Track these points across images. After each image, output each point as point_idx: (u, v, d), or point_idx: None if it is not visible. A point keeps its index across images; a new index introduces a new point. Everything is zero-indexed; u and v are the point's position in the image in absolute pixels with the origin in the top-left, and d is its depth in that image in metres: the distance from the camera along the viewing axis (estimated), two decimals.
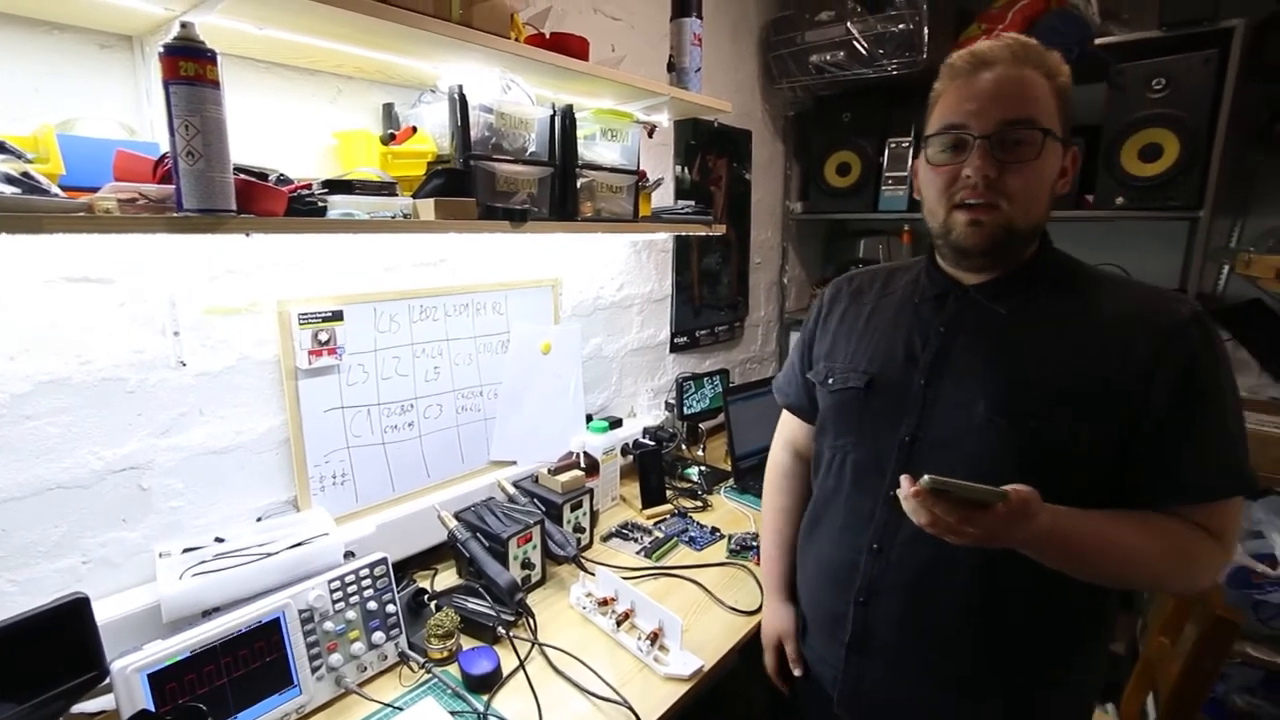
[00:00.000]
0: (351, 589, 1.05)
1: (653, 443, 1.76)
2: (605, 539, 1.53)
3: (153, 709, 0.83)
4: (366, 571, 1.07)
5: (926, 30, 1.99)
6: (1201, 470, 0.78)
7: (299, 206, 0.94)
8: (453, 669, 1.07)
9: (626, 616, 1.17)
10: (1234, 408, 0.79)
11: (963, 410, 0.85)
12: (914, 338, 0.92)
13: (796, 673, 1.08)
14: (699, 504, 1.72)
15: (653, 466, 1.69)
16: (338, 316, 1.24)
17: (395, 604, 1.09)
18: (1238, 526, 0.81)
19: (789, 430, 1.19)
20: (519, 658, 1.08)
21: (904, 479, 0.72)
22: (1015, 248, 0.84)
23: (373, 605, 1.06)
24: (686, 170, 2.10)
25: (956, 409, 0.86)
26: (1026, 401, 0.81)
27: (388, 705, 0.99)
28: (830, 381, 1.01)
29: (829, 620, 0.99)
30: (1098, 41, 1.81)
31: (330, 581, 1.03)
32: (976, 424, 0.83)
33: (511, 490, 1.43)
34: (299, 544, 1.08)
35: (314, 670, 0.99)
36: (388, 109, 1.28)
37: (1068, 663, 0.87)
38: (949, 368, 0.88)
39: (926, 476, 0.70)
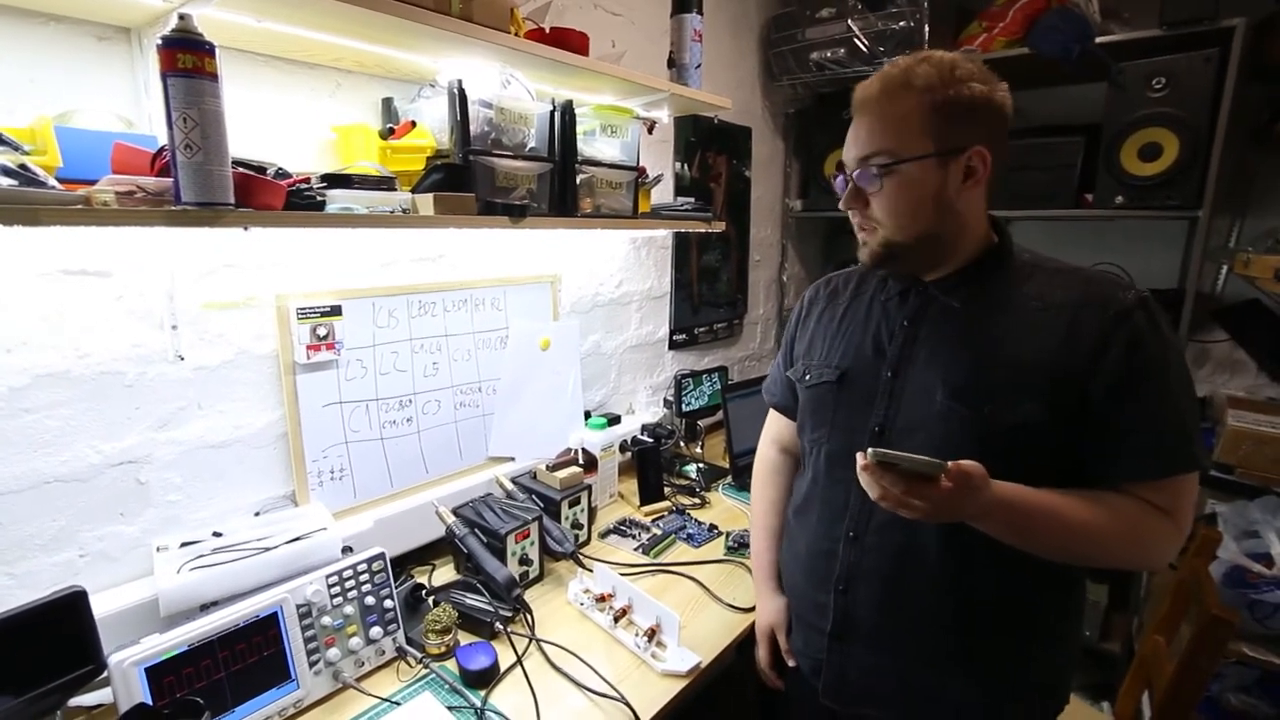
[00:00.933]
0: (349, 584, 1.05)
1: (651, 440, 1.76)
2: (603, 535, 1.53)
3: (150, 703, 0.83)
4: (364, 566, 1.07)
5: (927, 28, 1.98)
6: (1146, 448, 0.82)
7: (297, 201, 0.93)
8: (450, 664, 1.07)
9: (624, 613, 1.17)
10: (1181, 388, 0.83)
11: (925, 397, 0.90)
12: (881, 332, 0.98)
13: (790, 664, 1.10)
14: (697, 501, 1.72)
15: (651, 463, 1.69)
16: (336, 311, 1.23)
17: (393, 599, 1.09)
18: (1190, 504, 0.84)
19: (775, 428, 1.24)
20: (516, 653, 1.08)
21: (858, 455, 0.77)
22: (910, 255, 0.91)
23: (370, 600, 1.06)
24: (686, 167, 2.10)
25: (919, 397, 0.91)
26: (980, 386, 0.86)
27: (385, 700, 0.99)
28: (807, 378, 1.06)
29: (811, 611, 1.02)
30: (1098, 40, 1.81)
31: (328, 576, 1.03)
32: (936, 410, 0.89)
33: (510, 486, 1.43)
34: (297, 539, 1.08)
35: (311, 665, 0.99)
36: (387, 103, 1.28)
37: (1040, 628, 0.92)
38: (913, 358, 0.93)
39: (871, 450, 0.76)
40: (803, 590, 1.05)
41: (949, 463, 0.75)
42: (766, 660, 1.15)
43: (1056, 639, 0.94)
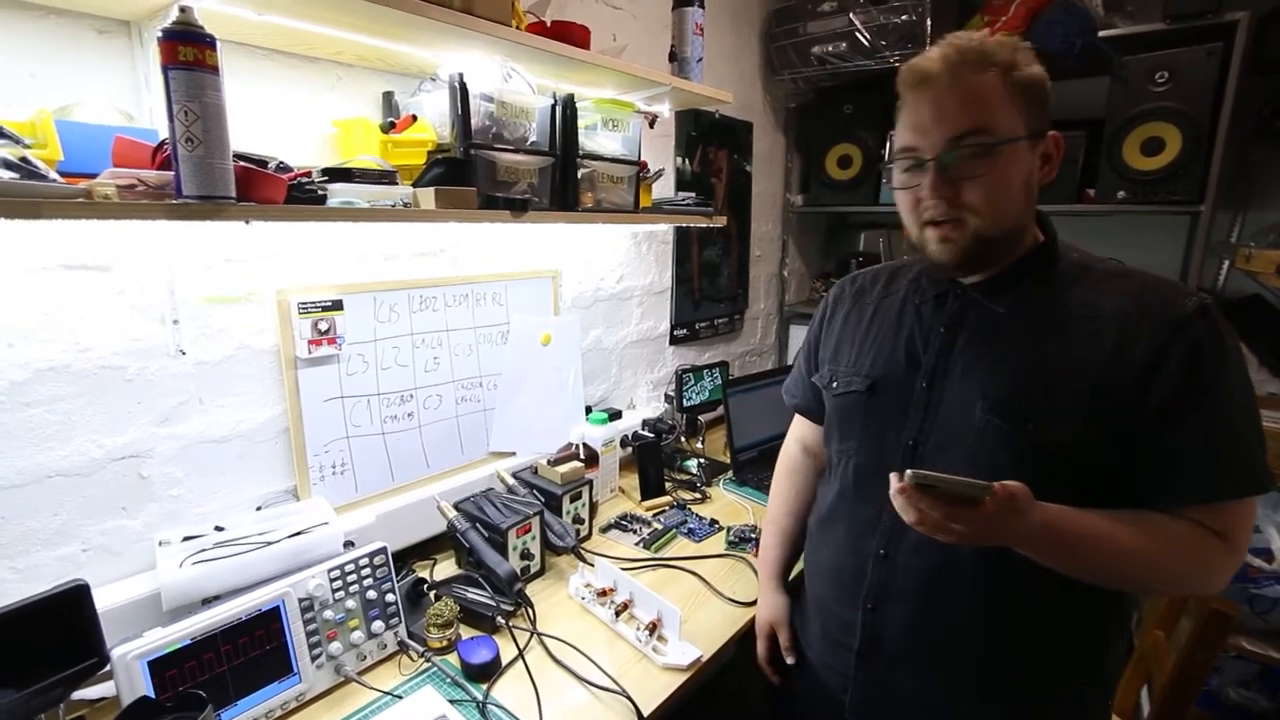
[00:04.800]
0: (351, 578, 1.05)
1: (652, 435, 1.76)
2: (604, 530, 1.53)
3: (153, 696, 0.83)
4: (366, 561, 1.07)
5: (929, 22, 1.98)
6: (1203, 469, 0.75)
7: (299, 194, 0.93)
8: (452, 658, 1.07)
9: (625, 607, 1.17)
10: (1244, 405, 0.76)
11: (962, 411, 0.84)
12: (915, 339, 0.92)
13: (789, 660, 1.08)
14: (698, 496, 1.73)
15: (652, 458, 1.69)
16: (337, 306, 1.23)
17: (395, 593, 1.09)
18: (1248, 528, 0.78)
19: (800, 429, 1.21)
20: (518, 647, 1.08)
21: (893, 476, 0.72)
22: (994, 252, 0.83)
23: (372, 594, 1.06)
24: (687, 161, 2.10)
25: (957, 411, 0.85)
26: (1024, 400, 0.80)
27: (387, 694, 1.00)
28: (834, 385, 1.00)
29: (836, 626, 0.98)
30: (1101, 34, 1.80)
31: (330, 570, 1.03)
32: (975, 425, 0.83)
33: (511, 481, 1.43)
34: (299, 533, 1.08)
35: (314, 658, 0.99)
36: (388, 97, 1.28)
37: (1083, 658, 0.85)
38: (950, 369, 0.87)
39: (910, 471, 0.70)
40: (828, 604, 1.00)
41: (995, 483, 0.70)
42: (765, 656, 1.14)
43: (1099, 670, 0.88)
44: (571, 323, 1.71)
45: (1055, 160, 0.82)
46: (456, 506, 1.31)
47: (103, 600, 0.93)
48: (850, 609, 0.94)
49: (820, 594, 1.03)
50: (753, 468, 1.85)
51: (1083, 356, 0.78)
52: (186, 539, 1.06)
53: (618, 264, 1.91)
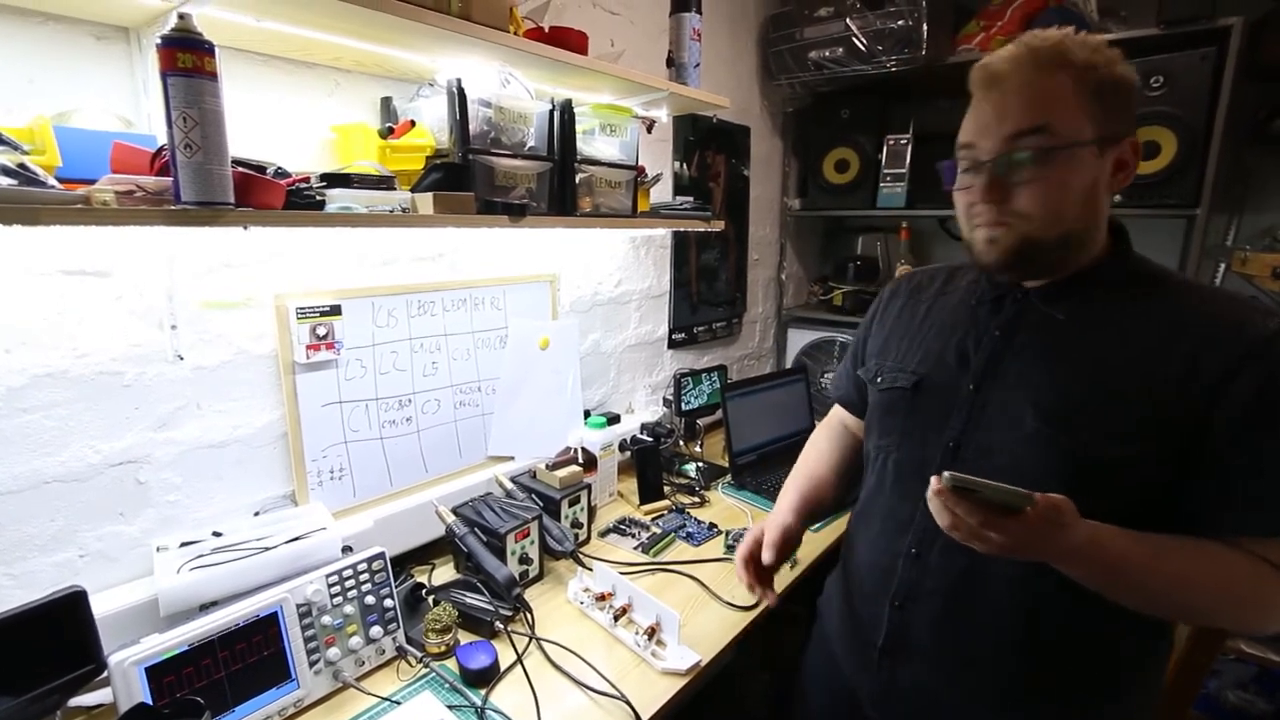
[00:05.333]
0: (349, 583, 1.05)
1: (650, 439, 1.76)
2: (603, 534, 1.53)
3: (150, 702, 0.83)
4: (364, 566, 1.07)
5: (925, 27, 1.98)
6: (1268, 499, 0.71)
7: (297, 200, 0.93)
8: (450, 663, 1.07)
9: (624, 611, 1.17)
10: None
11: (1011, 418, 0.82)
12: (968, 340, 0.90)
13: (766, 558, 1.02)
14: (696, 500, 1.72)
15: (650, 462, 1.69)
16: (335, 311, 1.23)
17: (393, 598, 1.09)
18: None
19: (838, 414, 1.22)
20: (517, 652, 1.08)
21: (933, 478, 0.70)
22: (1044, 258, 0.80)
23: (370, 600, 1.06)
24: (685, 166, 2.10)
25: (1005, 416, 0.82)
26: (1077, 412, 0.77)
27: (385, 699, 0.99)
28: (879, 380, 0.99)
29: (864, 621, 0.97)
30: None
31: (328, 576, 1.03)
32: (1024, 433, 0.80)
33: (509, 485, 1.43)
34: (297, 538, 1.08)
35: (311, 664, 0.99)
36: (386, 103, 1.28)
37: (1115, 677, 0.83)
38: (1001, 373, 0.85)
39: (948, 473, 0.67)
40: (856, 599, 1.00)
41: (1038, 494, 0.66)
42: (743, 554, 1.05)
43: (1134, 690, 0.84)
44: (570, 327, 1.72)
45: (1131, 167, 0.77)
46: (455, 511, 1.31)
47: (100, 606, 0.92)
48: (879, 605, 0.93)
49: (851, 589, 1.02)
50: (751, 472, 1.85)
51: (1146, 370, 0.75)
52: (184, 545, 1.06)
53: (616, 268, 1.92)
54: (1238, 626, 0.79)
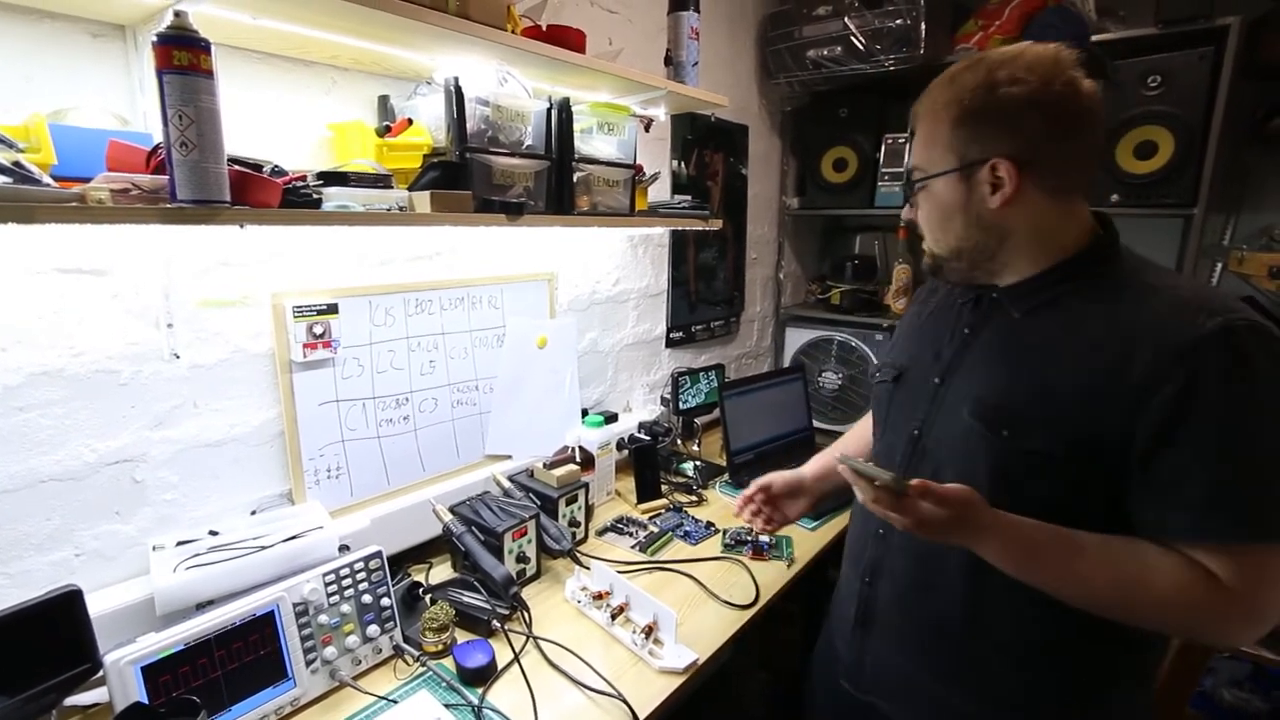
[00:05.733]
0: (346, 582, 1.05)
1: (648, 437, 1.76)
2: (600, 533, 1.53)
3: (146, 702, 0.83)
4: (361, 565, 1.07)
5: (923, 26, 1.98)
6: (1196, 504, 0.70)
7: (294, 198, 0.93)
8: (447, 662, 1.07)
9: (621, 610, 1.17)
10: (1269, 439, 0.69)
11: (956, 411, 0.86)
12: (944, 336, 0.95)
13: (773, 481, 1.18)
14: (694, 499, 1.73)
15: (648, 461, 1.69)
16: (333, 309, 1.23)
17: (390, 597, 1.09)
18: (1272, 581, 0.70)
19: None
20: (514, 651, 1.08)
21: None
22: (951, 267, 0.89)
23: (367, 598, 1.06)
24: (683, 165, 2.10)
25: (954, 409, 0.87)
26: (1005, 407, 0.81)
27: (382, 698, 0.99)
28: (877, 375, 1.08)
29: (847, 595, 1.05)
30: (1094, 38, 1.81)
31: (325, 575, 1.03)
32: (961, 426, 0.85)
33: (507, 484, 1.43)
34: (293, 537, 1.08)
35: (308, 663, 0.99)
36: (383, 101, 1.28)
37: (1074, 675, 0.83)
38: (960, 367, 0.90)
39: (840, 455, 0.80)
40: (846, 574, 1.07)
41: (913, 481, 0.73)
42: (748, 492, 1.20)
43: (1093, 688, 0.84)
44: (567, 326, 1.71)
45: (1006, 183, 0.79)
46: (452, 510, 1.31)
47: (96, 605, 0.92)
48: (855, 580, 1.02)
49: (844, 566, 1.10)
50: (749, 470, 1.85)
51: (1084, 370, 0.76)
52: (180, 543, 1.06)
53: (614, 267, 1.92)
54: (1175, 633, 0.78)
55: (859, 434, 1.23)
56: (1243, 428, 0.69)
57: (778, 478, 1.18)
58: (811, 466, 1.22)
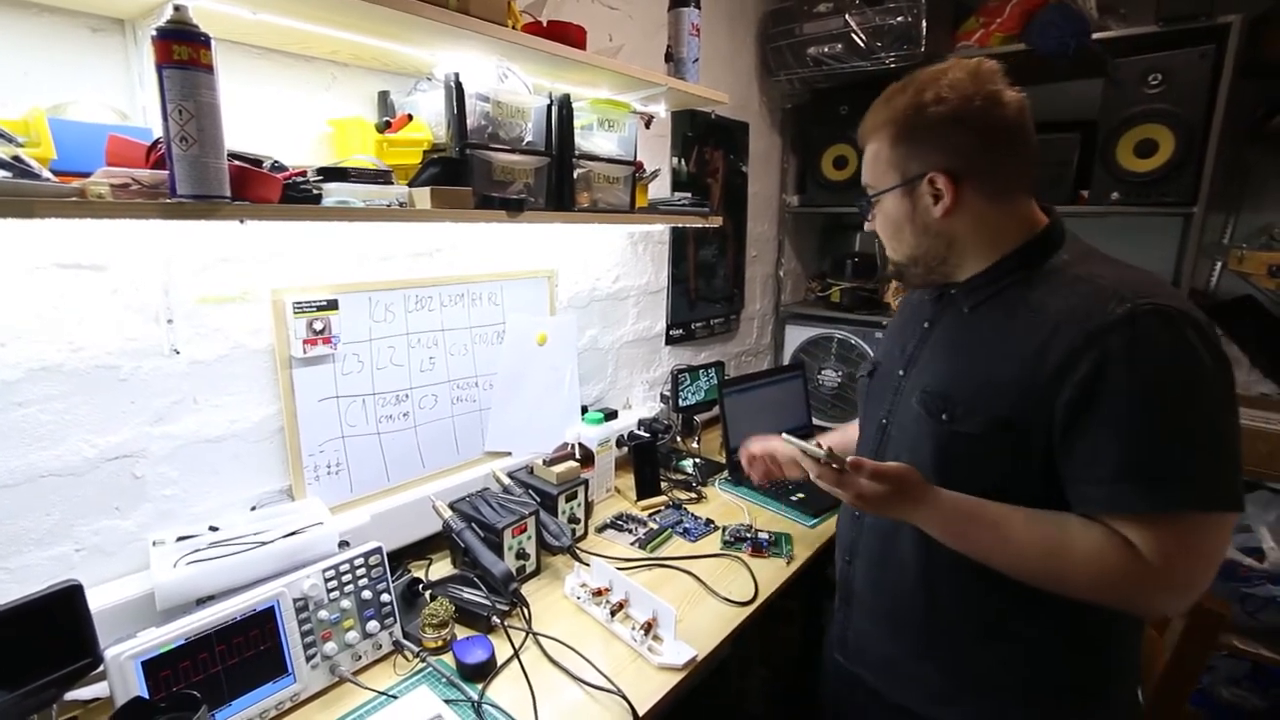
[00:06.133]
0: (346, 578, 1.05)
1: (648, 435, 1.76)
2: (600, 530, 1.53)
3: (146, 696, 0.83)
4: (361, 561, 1.07)
5: (925, 23, 1.98)
6: (1106, 477, 0.75)
7: (294, 194, 0.93)
8: (447, 658, 1.07)
9: (621, 607, 1.17)
10: (1177, 413, 0.73)
11: (910, 400, 0.94)
12: (910, 332, 1.01)
13: (773, 443, 1.27)
14: (693, 496, 1.73)
15: (647, 458, 1.69)
16: (333, 305, 1.23)
17: (390, 593, 1.09)
18: (1189, 550, 0.74)
19: None
20: (513, 647, 1.08)
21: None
22: (915, 272, 0.95)
23: (367, 594, 1.06)
24: (683, 162, 2.10)
25: (908, 398, 0.95)
26: (946, 393, 0.88)
27: (382, 693, 1.00)
28: (859, 373, 1.17)
29: (837, 573, 1.13)
30: (1095, 36, 1.81)
31: (325, 570, 1.03)
32: (912, 413, 0.93)
33: (506, 481, 1.43)
34: (293, 533, 1.08)
35: (308, 659, 0.99)
36: (383, 97, 1.28)
37: (1022, 644, 0.88)
38: (918, 360, 0.97)
39: (784, 433, 0.89)
40: (836, 557, 1.14)
41: (850, 459, 0.83)
42: (754, 449, 1.29)
43: (1047, 663, 0.88)
44: (567, 323, 1.71)
45: (946, 194, 0.85)
46: (452, 506, 1.31)
47: (96, 601, 0.93)
48: (840, 559, 1.11)
49: (836, 547, 1.16)
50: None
51: (1011, 358, 0.82)
52: (180, 539, 1.06)
53: (614, 264, 1.91)
54: (1101, 600, 0.79)
55: (848, 430, 1.28)
56: (1146, 405, 0.73)
57: (780, 447, 1.25)
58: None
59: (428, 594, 1.19)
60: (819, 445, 0.88)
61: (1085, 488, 0.78)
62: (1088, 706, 0.89)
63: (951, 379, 0.89)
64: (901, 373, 0.98)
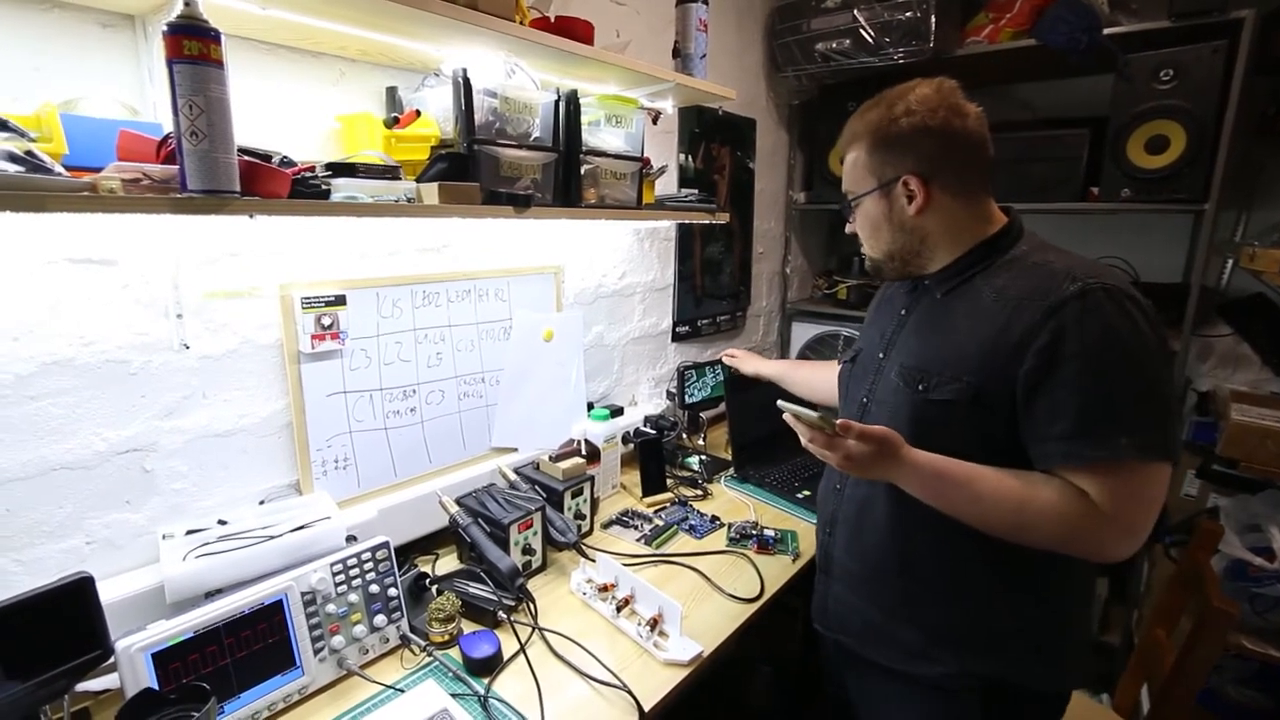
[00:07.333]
0: (354, 572, 1.06)
1: (653, 431, 1.76)
2: (606, 526, 1.54)
3: (157, 688, 0.83)
4: (368, 555, 1.08)
5: (934, 19, 1.97)
6: (1064, 433, 0.84)
7: (302, 189, 0.93)
8: (454, 652, 1.08)
9: (626, 603, 1.18)
10: (1119, 373, 0.83)
11: (890, 377, 1.03)
12: (888, 320, 1.11)
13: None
14: (699, 492, 1.73)
15: (653, 455, 1.69)
16: (340, 301, 1.23)
17: (397, 587, 1.10)
18: (1134, 497, 0.84)
19: None
20: (520, 642, 1.08)
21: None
22: (892, 267, 1.05)
23: (374, 588, 1.07)
24: (690, 158, 2.09)
25: (888, 376, 1.04)
26: (922, 368, 0.97)
27: (389, 687, 1.00)
28: (843, 358, 1.24)
29: (817, 546, 1.20)
30: (1106, 31, 1.80)
31: (332, 564, 1.04)
32: (892, 387, 1.02)
33: (513, 477, 1.43)
34: (301, 527, 1.09)
35: (316, 652, 0.99)
36: (391, 92, 1.28)
37: (989, 599, 0.96)
38: (896, 343, 1.06)
39: (779, 401, 0.93)
40: (816, 533, 1.21)
41: (839, 421, 0.89)
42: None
43: (1009, 615, 0.96)
44: (574, 319, 1.72)
45: (919, 195, 0.97)
46: (459, 501, 1.31)
47: (107, 593, 0.93)
48: (820, 533, 1.18)
49: (816, 523, 1.23)
50: (754, 465, 1.85)
51: (979, 333, 0.92)
52: (190, 532, 1.06)
53: (620, 260, 1.91)
54: (1061, 547, 0.87)
55: (822, 371, 1.48)
56: (1096, 367, 0.83)
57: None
58: (776, 365, 1.69)
59: (434, 589, 1.19)
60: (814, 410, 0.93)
61: (1045, 444, 0.87)
62: (1044, 652, 0.97)
63: (927, 354, 0.98)
64: (882, 355, 1.08)
